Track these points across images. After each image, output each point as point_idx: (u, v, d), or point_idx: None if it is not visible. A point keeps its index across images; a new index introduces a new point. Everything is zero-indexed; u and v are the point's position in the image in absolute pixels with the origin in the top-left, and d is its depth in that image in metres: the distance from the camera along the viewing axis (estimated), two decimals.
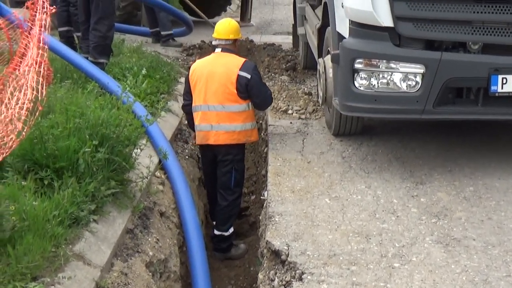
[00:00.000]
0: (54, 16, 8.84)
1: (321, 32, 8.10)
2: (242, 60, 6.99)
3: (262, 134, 8.92)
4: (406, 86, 6.19)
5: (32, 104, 4.86)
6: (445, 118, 6.47)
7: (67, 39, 9.71)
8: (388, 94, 6.26)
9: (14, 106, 4.84)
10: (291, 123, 8.22)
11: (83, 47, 8.79)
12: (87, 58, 8.36)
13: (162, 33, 12.40)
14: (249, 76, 6.80)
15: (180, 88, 9.37)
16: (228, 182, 6.99)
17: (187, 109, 7.17)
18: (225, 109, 6.86)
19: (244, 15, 15.73)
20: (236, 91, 6.82)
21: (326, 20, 7.71)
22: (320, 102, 7.83)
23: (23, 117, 4.71)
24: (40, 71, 5.33)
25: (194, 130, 7.33)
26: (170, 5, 12.27)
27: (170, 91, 8.98)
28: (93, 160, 5.24)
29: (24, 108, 4.78)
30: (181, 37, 12.90)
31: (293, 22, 12.74)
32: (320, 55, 8.10)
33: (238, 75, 6.80)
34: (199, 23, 14.12)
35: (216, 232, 7.11)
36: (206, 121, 6.90)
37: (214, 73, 6.87)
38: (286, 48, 12.89)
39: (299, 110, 8.67)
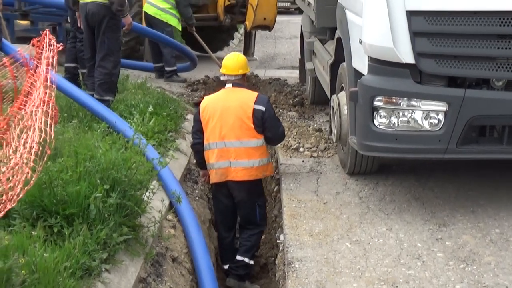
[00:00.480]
0: (62, 52, 8.67)
1: (333, 68, 7.90)
2: (255, 93, 6.77)
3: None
4: (428, 124, 5.96)
5: (40, 147, 4.64)
6: (469, 157, 6.23)
7: (72, 76, 9.53)
8: (409, 133, 6.02)
9: (22, 150, 4.60)
10: (303, 161, 7.98)
11: (88, 84, 8.59)
12: (92, 95, 8.15)
13: (166, 68, 12.23)
14: (263, 109, 6.59)
15: (188, 125, 9.15)
16: (254, 218, 6.76)
17: (197, 147, 6.90)
18: (242, 144, 6.62)
19: (247, 50, 15.56)
20: (253, 125, 6.59)
21: (339, 55, 7.52)
22: (334, 140, 7.60)
23: (31, 163, 4.48)
24: (48, 112, 5.12)
25: (202, 169, 7.06)
26: (174, 40, 12.13)
27: (178, 129, 8.74)
28: (105, 205, 4.97)
29: (32, 153, 4.54)
30: (185, 72, 12.72)
31: (299, 57, 12.56)
32: (333, 92, 7.88)
33: (254, 108, 6.57)
34: (203, 58, 13.95)
35: (238, 257, 6.80)
36: (224, 158, 6.64)
37: (229, 108, 6.63)
38: (292, 83, 12.72)
39: (311, 148, 8.43)
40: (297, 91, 11.85)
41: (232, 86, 6.78)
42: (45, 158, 4.55)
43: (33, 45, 6.49)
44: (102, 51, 8.10)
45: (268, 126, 6.66)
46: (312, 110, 10.55)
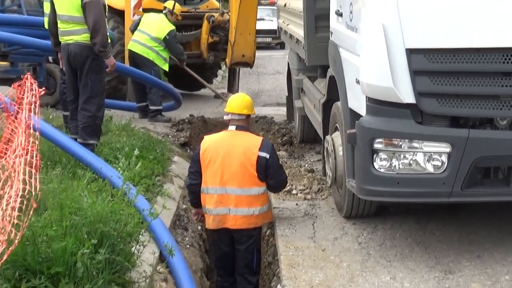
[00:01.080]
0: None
1: (325, 107, 7.64)
2: (260, 139, 6.48)
3: None
4: (431, 167, 5.68)
5: (24, 200, 4.31)
6: (474, 200, 5.95)
7: None
8: (412, 176, 5.74)
9: (5, 207, 4.26)
10: (297, 204, 7.69)
11: (71, 128, 8.25)
12: (75, 139, 7.83)
13: (151, 107, 11.93)
14: (268, 156, 6.29)
15: (175, 168, 8.87)
16: (251, 264, 6.49)
17: (194, 188, 6.57)
18: (244, 192, 6.31)
19: (232, 87, 15.29)
20: (256, 173, 6.28)
21: (332, 94, 7.28)
22: (329, 183, 7.31)
23: (14, 219, 4.14)
24: (31, 161, 4.81)
25: (195, 207, 6.75)
26: (158, 79, 11.86)
27: (165, 172, 8.43)
28: (93, 262, 4.64)
29: (16, 209, 4.21)
30: (170, 112, 12.45)
31: (286, 94, 12.32)
32: (326, 132, 7.61)
33: (259, 156, 6.27)
34: (187, 96, 13.70)
35: None
36: (224, 204, 6.33)
37: (232, 153, 6.31)
38: (279, 121, 12.48)
39: (304, 190, 8.15)
40: (285, 129, 11.60)
41: (236, 129, 6.47)
42: (31, 213, 4.22)
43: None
44: (85, 93, 7.79)
45: (271, 173, 6.37)
46: (302, 149, 10.29)
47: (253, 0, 13.61)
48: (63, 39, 7.79)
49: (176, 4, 12.44)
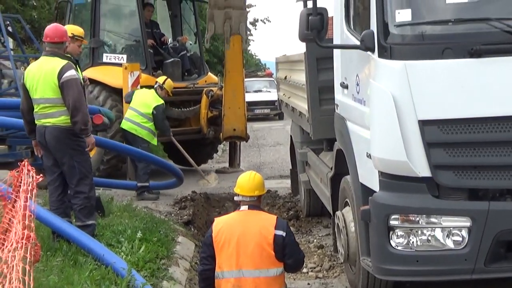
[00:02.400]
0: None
1: (334, 181, 7.40)
2: (274, 217, 6.15)
3: None
4: (451, 242, 5.43)
5: None
6: (499, 276, 5.65)
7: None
8: (431, 253, 5.48)
9: None
10: (308, 284, 7.40)
11: (54, 210, 7.85)
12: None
13: (138, 184, 11.60)
14: (284, 234, 5.95)
15: (180, 249, 8.56)
16: None
17: (207, 274, 6.15)
18: (262, 274, 5.93)
19: (233, 161, 15.12)
20: (274, 253, 5.94)
21: (340, 168, 7.06)
22: (342, 260, 7.02)
23: None
24: (26, 256, 4.57)
25: None
26: (157, 157, 11.67)
27: (170, 254, 8.10)
28: None
29: None
30: (171, 189, 12.21)
31: (288, 166, 12.10)
32: (335, 207, 7.35)
33: (275, 234, 5.92)
34: (189, 172, 13.47)
35: None
36: None
37: (247, 234, 5.97)
38: (283, 194, 12.23)
39: (315, 268, 7.86)
40: (290, 203, 11.35)
41: (249, 208, 6.15)
42: None
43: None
44: (74, 176, 7.49)
45: (288, 253, 6.01)
46: (309, 223, 10.03)
47: (239, 75, 13.59)
48: (40, 122, 7.45)
49: (168, 80, 12.17)
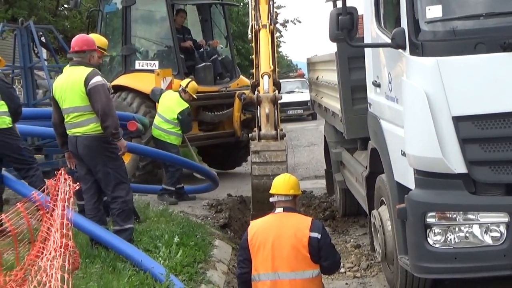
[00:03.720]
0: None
1: (369, 180, 7.37)
2: (309, 219, 6.13)
3: None
4: (490, 238, 5.37)
5: None
6: None
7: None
8: (470, 250, 5.43)
9: None
10: (346, 284, 7.38)
11: (89, 218, 7.93)
12: None
13: (162, 186, 11.58)
14: (319, 236, 5.92)
15: (217, 253, 8.58)
16: None
17: (245, 277, 6.16)
18: (298, 276, 5.91)
19: None
20: (309, 255, 5.92)
21: (375, 167, 7.04)
22: (379, 259, 6.98)
23: None
24: (64, 264, 4.64)
25: None
26: (192, 161, 11.70)
27: (207, 258, 8.13)
28: None
29: None
30: (207, 193, 12.24)
31: (323, 166, 12.08)
32: (371, 206, 7.31)
33: (310, 236, 5.90)
34: (224, 176, 13.52)
35: None
36: None
37: (282, 236, 5.96)
38: (319, 194, 12.21)
39: (352, 267, 7.83)
40: (325, 203, 11.32)
41: (284, 210, 6.14)
42: None
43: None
44: (110, 182, 7.53)
45: (324, 255, 5.99)
46: (345, 223, 10.00)
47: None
48: (70, 132, 7.51)
49: (192, 82, 11.91)
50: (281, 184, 6.15)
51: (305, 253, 5.83)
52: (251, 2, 11.92)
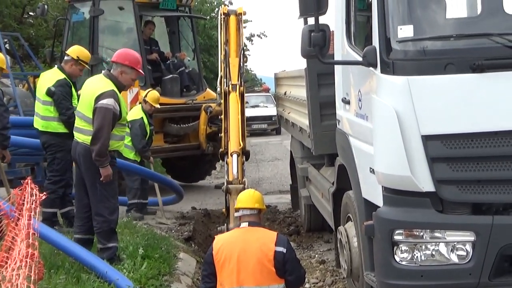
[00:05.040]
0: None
1: (336, 196, 7.41)
2: (275, 233, 6.17)
3: None
4: (456, 257, 5.42)
5: None
6: None
7: (70, 219, 8.87)
8: (435, 268, 5.47)
9: None
10: None
11: (76, 227, 7.85)
12: (79, 238, 7.53)
13: (128, 202, 11.35)
14: (284, 250, 5.95)
15: (181, 266, 8.54)
16: None
17: None
18: None
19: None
20: (274, 269, 5.93)
21: (342, 183, 7.08)
22: (345, 275, 7.01)
23: None
24: (30, 275, 4.57)
25: None
26: (157, 173, 11.62)
27: (172, 271, 8.09)
28: None
29: None
30: (171, 205, 12.18)
31: (287, 181, 12.11)
32: (337, 223, 7.35)
33: (276, 251, 5.92)
34: (188, 188, 13.47)
35: None
36: None
37: (248, 250, 5.98)
38: (283, 209, 12.24)
39: (317, 283, 7.87)
40: (290, 218, 11.35)
41: (249, 225, 6.16)
42: None
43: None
44: (95, 197, 7.39)
45: (289, 269, 6.01)
46: (310, 238, 10.03)
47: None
48: (75, 135, 7.51)
49: (152, 91, 11.50)
50: (246, 199, 6.20)
51: (271, 267, 5.86)
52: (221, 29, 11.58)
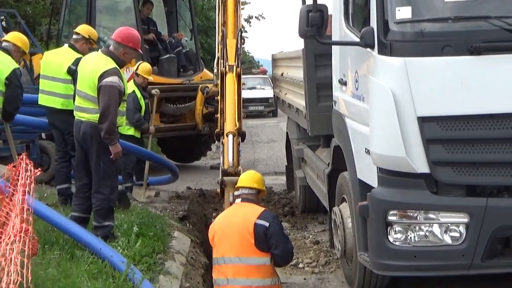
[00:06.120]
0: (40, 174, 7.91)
1: (331, 177, 7.43)
2: (262, 209, 6.28)
3: None
4: (449, 238, 5.46)
5: None
6: (496, 272, 5.68)
7: (66, 197, 8.93)
8: (429, 248, 5.52)
9: None
10: (305, 279, 7.42)
11: (74, 205, 7.87)
12: (77, 217, 7.54)
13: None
14: (267, 224, 6.08)
15: (176, 244, 8.55)
16: None
17: None
18: (242, 261, 6.08)
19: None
20: (254, 241, 6.04)
21: (338, 164, 7.10)
22: (338, 255, 7.05)
23: None
24: (24, 249, 4.57)
25: None
26: (152, 153, 11.57)
27: (166, 249, 8.10)
28: None
29: None
30: (167, 185, 12.19)
31: (283, 163, 12.13)
32: (332, 203, 7.37)
33: (255, 223, 6.07)
34: (183, 168, 13.47)
35: None
36: (222, 274, 6.15)
37: (232, 223, 6.19)
38: (278, 190, 12.26)
39: (311, 263, 7.87)
40: (285, 199, 11.37)
41: (241, 201, 6.30)
42: None
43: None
44: (98, 175, 7.42)
45: (274, 243, 6.11)
46: (304, 219, 10.05)
47: None
48: (77, 115, 7.47)
49: (143, 63, 11.19)
50: (246, 178, 6.34)
51: (250, 239, 6.04)
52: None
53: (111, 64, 7.19)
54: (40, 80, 9.24)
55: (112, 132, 7.17)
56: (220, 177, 8.44)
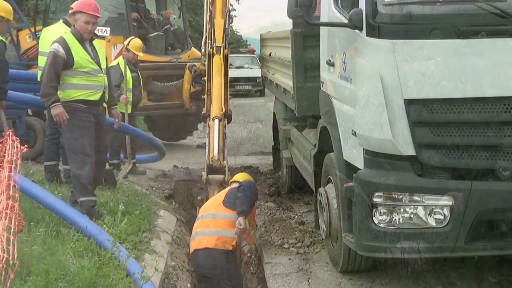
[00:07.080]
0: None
1: (317, 158, 7.44)
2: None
3: (254, 270, 8.10)
4: (433, 221, 5.47)
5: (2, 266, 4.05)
6: (479, 254, 5.74)
7: (53, 173, 8.93)
8: (413, 230, 5.53)
9: None
10: (289, 259, 7.42)
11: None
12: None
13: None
14: (238, 185, 7.26)
15: (162, 223, 8.59)
16: None
17: None
18: (215, 216, 7.13)
19: None
20: (224, 198, 7.19)
21: (324, 145, 7.11)
22: (323, 236, 7.08)
23: None
24: (10, 226, 4.57)
25: None
26: (139, 130, 11.57)
27: (152, 228, 8.13)
28: None
29: None
30: (153, 163, 12.20)
31: (270, 142, 12.13)
32: (318, 184, 7.39)
33: (230, 188, 7.28)
34: (170, 147, 13.46)
35: None
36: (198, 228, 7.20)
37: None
38: (265, 170, 12.27)
39: (296, 244, 7.88)
40: (271, 179, 11.39)
41: None
42: (8, 284, 3.96)
43: None
44: (65, 151, 7.59)
45: (240, 191, 7.09)
46: (290, 199, 10.07)
47: None
48: None
49: (134, 39, 11.39)
50: (241, 176, 7.59)
51: (221, 199, 7.19)
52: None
53: (60, 33, 7.60)
54: (39, 56, 9.19)
55: (46, 94, 7.28)
56: (205, 174, 8.48)
